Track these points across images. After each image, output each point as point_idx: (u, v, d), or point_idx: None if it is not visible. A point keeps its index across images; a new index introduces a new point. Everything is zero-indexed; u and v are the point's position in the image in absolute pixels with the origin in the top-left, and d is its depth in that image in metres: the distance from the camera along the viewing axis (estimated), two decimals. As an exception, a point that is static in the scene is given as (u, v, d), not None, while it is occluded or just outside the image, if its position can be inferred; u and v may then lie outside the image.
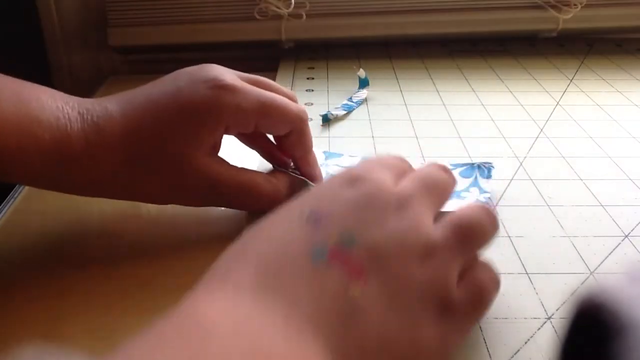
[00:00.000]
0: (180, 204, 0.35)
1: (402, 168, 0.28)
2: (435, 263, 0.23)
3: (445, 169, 0.28)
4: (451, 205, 0.36)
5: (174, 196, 0.34)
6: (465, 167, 0.40)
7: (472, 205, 0.27)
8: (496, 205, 0.37)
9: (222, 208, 0.38)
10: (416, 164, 0.41)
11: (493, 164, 0.40)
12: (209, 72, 0.33)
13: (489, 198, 0.37)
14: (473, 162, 0.41)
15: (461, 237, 0.25)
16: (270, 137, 0.38)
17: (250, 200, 0.35)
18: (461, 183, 0.39)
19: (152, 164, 0.32)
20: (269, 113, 0.34)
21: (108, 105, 0.33)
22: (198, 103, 0.32)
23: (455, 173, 0.40)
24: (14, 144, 0.30)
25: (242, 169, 0.35)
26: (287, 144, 0.36)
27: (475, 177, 0.39)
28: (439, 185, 0.27)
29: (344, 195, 0.25)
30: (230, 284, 0.21)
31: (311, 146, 0.37)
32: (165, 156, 0.32)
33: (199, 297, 0.20)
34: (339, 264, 0.22)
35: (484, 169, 0.40)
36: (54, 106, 0.31)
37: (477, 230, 0.25)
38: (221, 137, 0.35)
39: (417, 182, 0.26)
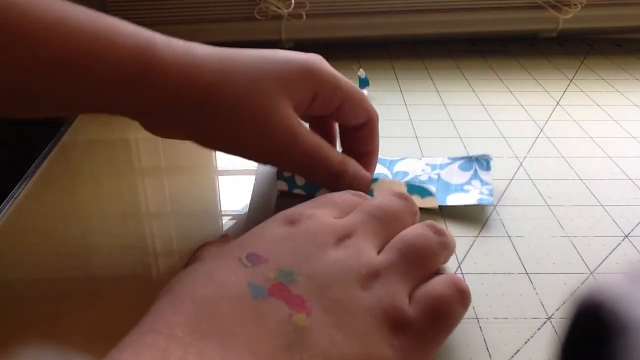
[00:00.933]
0: (249, 158, 0.33)
1: (352, 203, 0.29)
2: (380, 284, 0.23)
3: (400, 196, 0.29)
4: (455, 200, 0.36)
5: (249, 145, 0.32)
6: (463, 161, 0.41)
7: (416, 225, 0.27)
8: (496, 205, 0.37)
9: (223, 208, 0.38)
10: (416, 164, 0.41)
11: (490, 156, 0.40)
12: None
13: (491, 189, 0.37)
14: (471, 155, 0.41)
15: (406, 256, 0.25)
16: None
17: (320, 165, 0.32)
18: (462, 176, 0.39)
19: (240, 101, 0.30)
20: (355, 95, 0.34)
21: (197, 45, 0.31)
22: (297, 59, 0.32)
23: (455, 166, 0.40)
24: (91, 48, 0.27)
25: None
26: (357, 137, 0.36)
27: (475, 170, 0.40)
28: (389, 215, 0.27)
29: (282, 235, 0.25)
30: (162, 334, 0.19)
31: (378, 146, 0.37)
32: (253, 98, 0.30)
33: (123, 349, 0.19)
34: (280, 298, 0.22)
35: (483, 162, 0.40)
36: (134, 28, 0.29)
37: (422, 247, 0.26)
38: (306, 103, 0.33)
39: (362, 215, 0.27)
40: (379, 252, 0.25)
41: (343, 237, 0.25)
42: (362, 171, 0.35)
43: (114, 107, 0.30)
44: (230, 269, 0.23)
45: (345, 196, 0.29)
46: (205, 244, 0.28)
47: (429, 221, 0.28)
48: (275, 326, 0.21)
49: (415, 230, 0.26)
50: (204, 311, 0.20)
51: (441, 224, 0.35)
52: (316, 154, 0.32)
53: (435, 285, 0.24)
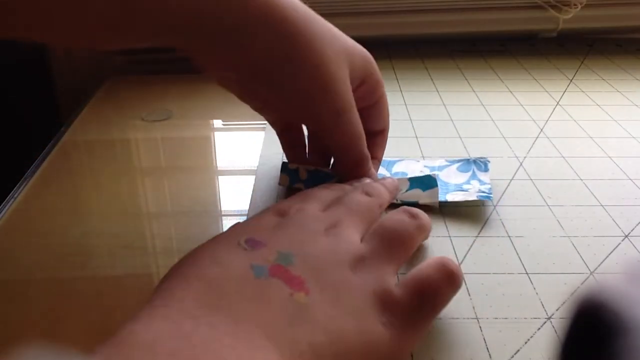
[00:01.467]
0: (291, 110, 0.34)
1: (333, 196, 0.31)
2: (366, 268, 0.25)
3: (367, 192, 0.31)
4: (455, 197, 0.36)
5: (304, 95, 0.32)
6: (461, 163, 0.41)
7: (394, 212, 0.30)
8: (496, 205, 0.37)
9: (223, 208, 0.38)
10: (414, 165, 0.41)
11: (488, 159, 0.40)
12: None
13: (490, 189, 0.38)
14: (469, 157, 0.41)
15: (387, 241, 0.27)
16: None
17: (355, 146, 0.34)
18: (460, 177, 0.39)
19: (316, 54, 0.31)
20: (386, 101, 0.37)
21: None
22: (358, 44, 0.35)
23: (453, 168, 0.40)
24: None
25: None
26: (371, 115, 0.37)
27: (473, 171, 0.40)
28: (363, 208, 0.30)
29: (275, 224, 0.27)
30: (172, 308, 0.20)
31: (382, 156, 0.39)
32: (326, 57, 0.31)
33: (136, 322, 0.19)
34: (280, 278, 0.23)
35: (480, 164, 0.40)
36: None
37: (400, 231, 0.28)
38: (355, 85, 0.34)
39: (343, 207, 0.29)
40: (362, 240, 0.28)
41: (330, 227, 0.27)
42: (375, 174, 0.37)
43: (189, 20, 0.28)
44: (231, 252, 0.24)
45: (325, 191, 0.32)
46: None
47: (404, 206, 0.30)
48: (278, 303, 0.22)
49: (393, 217, 0.29)
50: (212, 288, 0.21)
51: (441, 224, 0.35)
52: (358, 133, 0.34)
53: (423, 267, 0.26)
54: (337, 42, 0.33)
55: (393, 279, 0.26)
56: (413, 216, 0.29)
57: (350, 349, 0.22)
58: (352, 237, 0.27)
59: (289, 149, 0.39)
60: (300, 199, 0.30)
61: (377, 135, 0.38)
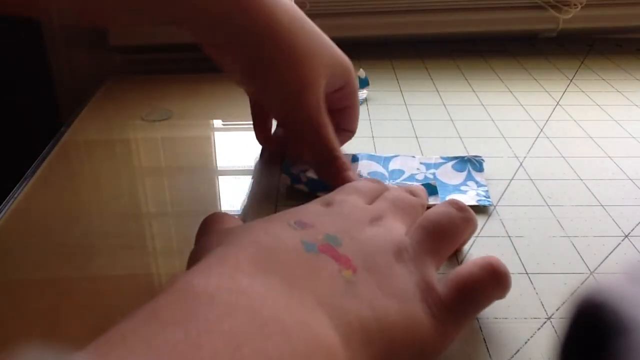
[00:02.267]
0: (274, 104, 0.37)
1: (376, 190, 0.31)
2: (410, 260, 0.25)
3: (412, 192, 0.32)
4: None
5: (284, 94, 0.35)
6: (456, 161, 0.41)
7: (441, 204, 0.29)
8: (496, 205, 0.37)
9: (223, 208, 0.38)
10: (410, 162, 0.41)
11: (483, 158, 0.40)
12: None
13: (487, 192, 0.38)
14: (463, 155, 0.41)
15: (432, 234, 0.27)
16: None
17: (324, 142, 0.36)
18: (456, 177, 0.40)
19: (298, 57, 0.35)
20: (357, 108, 0.41)
21: None
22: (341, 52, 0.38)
23: (448, 166, 0.41)
24: None
25: None
26: (344, 116, 0.40)
27: (469, 171, 0.40)
28: (407, 205, 0.30)
29: (322, 212, 0.28)
30: (228, 267, 0.21)
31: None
32: (309, 60, 0.35)
33: (193, 274, 0.20)
34: (329, 255, 0.24)
35: (475, 163, 0.40)
36: None
37: (446, 224, 0.28)
38: (333, 89, 0.38)
39: (388, 202, 0.30)
40: (406, 233, 0.28)
41: (374, 219, 0.28)
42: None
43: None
44: (282, 229, 0.25)
45: (367, 184, 0.32)
46: (213, 214, 0.30)
47: (451, 198, 0.30)
48: (328, 276, 0.23)
49: (439, 209, 0.29)
50: (266, 255, 0.22)
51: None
52: (327, 132, 0.36)
53: (468, 265, 0.26)
54: (323, 54, 0.36)
55: (435, 273, 0.26)
56: (460, 209, 0.29)
57: (394, 327, 0.22)
58: (396, 230, 0.27)
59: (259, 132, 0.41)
60: (345, 192, 0.31)
61: (343, 132, 0.41)
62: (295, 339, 0.18)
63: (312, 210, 0.28)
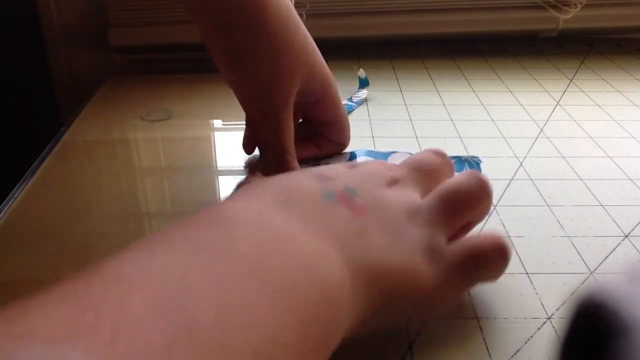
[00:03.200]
0: (242, 89, 0.37)
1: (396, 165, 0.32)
2: (422, 221, 0.26)
3: (439, 153, 0.32)
4: None
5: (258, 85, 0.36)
6: (454, 161, 0.41)
7: (460, 174, 0.30)
8: (496, 205, 0.37)
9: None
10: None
11: (480, 158, 0.40)
12: None
13: None
14: (460, 156, 0.41)
15: (447, 201, 0.28)
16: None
17: (278, 142, 0.37)
18: None
19: (277, 62, 0.35)
20: (343, 123, 0.42)
21: None
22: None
23: None
24: None
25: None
26: (332, 131, 0.41)
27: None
28: (429, 169, 0.30)
29: (345, 170, 0.29)
30: (252, 200, 0.24)
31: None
32: (288, 67, 0.36)
33: (222, 202, 0.23)
34: (346, 206, 0.25)
35: (473, 163, 0.40)
36: None
37: (462, 193, 0.28)
38: (314, 98, 0.39)
39: (407, 167, 0.30)
40: (422, 198, 0.28)
41: (391, 182, 0.28)
42: None
43: None
44: (304, 177, 0.27)
45: (394, 160, 0.34)
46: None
47: (471, 170, 0.30)
48: (343, 221, 0.24)
49: (459, 177, 0.29)
50: (287, 194, 0.24)
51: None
52: (284, 131, 0.36)
53: (474, 236, 0.27)
54: (306, 53, 0.37)
55: (445, 238, 0.26)
56: (479, 181, 0.29)
57: (397, 275, 0.24)
58: (412, 193, 0.28)
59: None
60: (367, 161, 0.32)
61: (332, 144, 0.42)
62: (311, 259, 0.21)
63: (335, 167, 0.29)
